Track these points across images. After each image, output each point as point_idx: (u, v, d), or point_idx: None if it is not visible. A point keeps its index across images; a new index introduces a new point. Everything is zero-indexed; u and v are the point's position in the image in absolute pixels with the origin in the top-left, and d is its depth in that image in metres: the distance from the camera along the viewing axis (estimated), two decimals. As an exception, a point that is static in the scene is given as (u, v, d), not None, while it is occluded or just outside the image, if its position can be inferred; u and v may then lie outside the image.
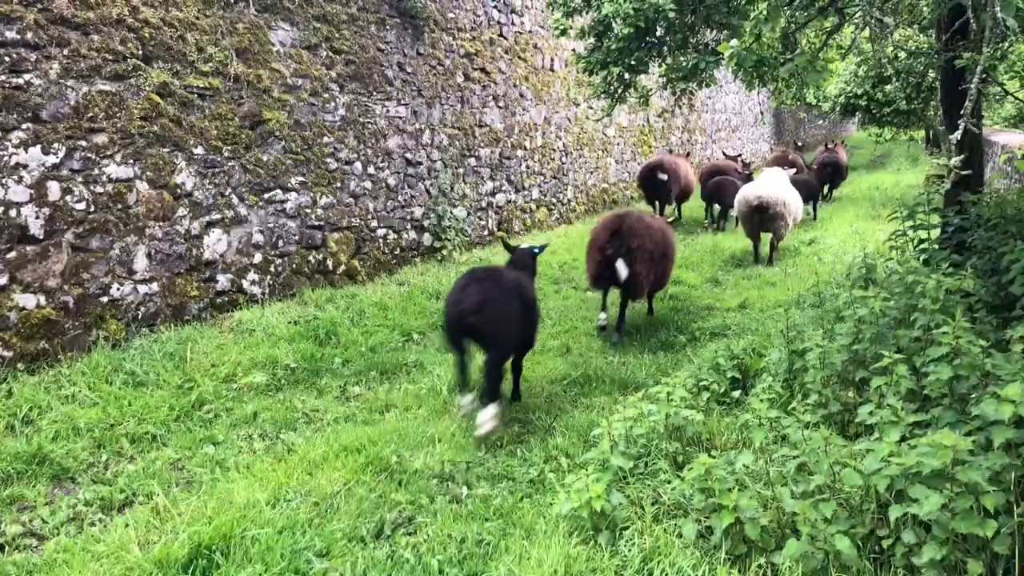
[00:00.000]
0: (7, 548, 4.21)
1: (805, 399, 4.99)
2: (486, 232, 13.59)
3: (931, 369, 4.17)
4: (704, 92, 23.87)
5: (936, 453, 3.28)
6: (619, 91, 10.11)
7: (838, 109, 20.85)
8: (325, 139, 9.83)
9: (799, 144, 27.93)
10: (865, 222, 15.95)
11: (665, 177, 15.44)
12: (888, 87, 17.40)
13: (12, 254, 6.49)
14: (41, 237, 6.70)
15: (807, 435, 3.91)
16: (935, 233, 6.92)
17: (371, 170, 10.70)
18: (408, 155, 11.44)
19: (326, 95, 9.83)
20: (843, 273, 8.39)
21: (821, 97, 22.98)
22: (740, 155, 19.99)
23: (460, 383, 5.94)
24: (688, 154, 18.49)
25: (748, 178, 15.96)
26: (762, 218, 12.33)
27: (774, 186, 12.57)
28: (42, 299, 6.70)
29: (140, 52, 7.49)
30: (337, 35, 9.99)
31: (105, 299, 7.21)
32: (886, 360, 4.23)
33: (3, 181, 6.42)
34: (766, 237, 12.97)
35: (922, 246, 6.77)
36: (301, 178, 9.46)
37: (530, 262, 7.24)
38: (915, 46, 10.69)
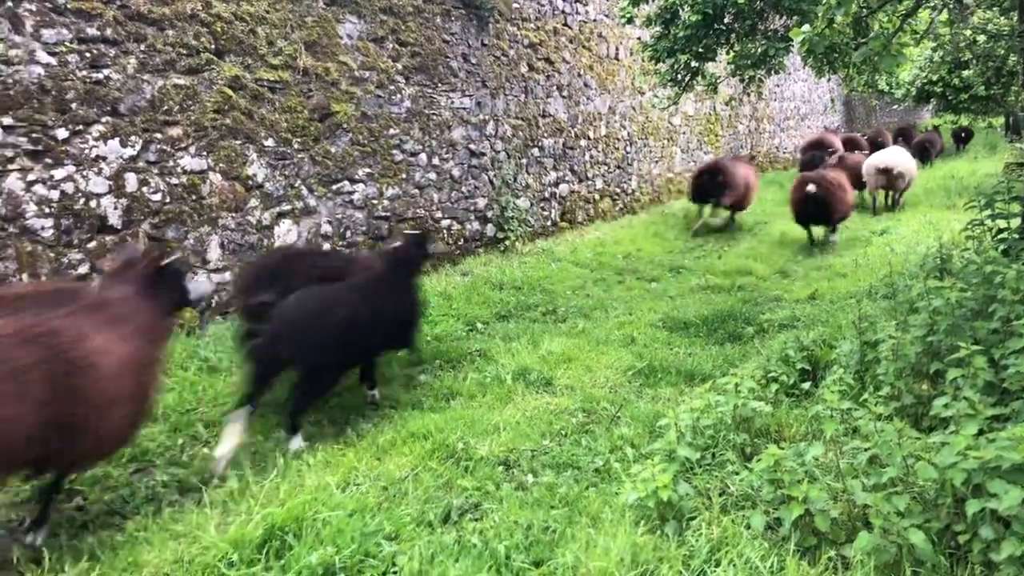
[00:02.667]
0: (92, 526, 4.39)
1: (877, 391, 4.88)
2: (549, 222, 13.59)
3: (1011, 362, 4.05)
4: (772, 80, 23.43)
5: (1016, 446, 3.19)
6: (686, 79, 10.02)
7: (912, 96, 20.30)
8: (391, 131, 9.94)
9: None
10: (940, 212, 15.51)
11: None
12: (966, 72, 16.88)
13: (92, 243, 6.73)
14: (119, 227, 6.93)
15: (879, 427, 3.83)
16: (1015, 222, 6.68)
17: (436, 161, 10.79)
18: (472, 146, 11.49)
19: (392, 87, 9.94)
20: (916, 264, 8.17)
21: (894, 84, 22.37)
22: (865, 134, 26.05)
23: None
24: (837, 128, 24.92)
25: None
26: (887, 178, 16.11)
27: (897, 154, 16.66)
28: (121, 287, 6.92)
29: (213, 46, 7.68)
30: (403, 27, 10.08)
31: (180, 288, 7.42)
32: (963, 351, 4.12)
33: (84, 173, 6.65)
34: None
35: (1001, 236, 6.55)
36: (368, 169, 9.59)
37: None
38: (995, 29, 10.32)
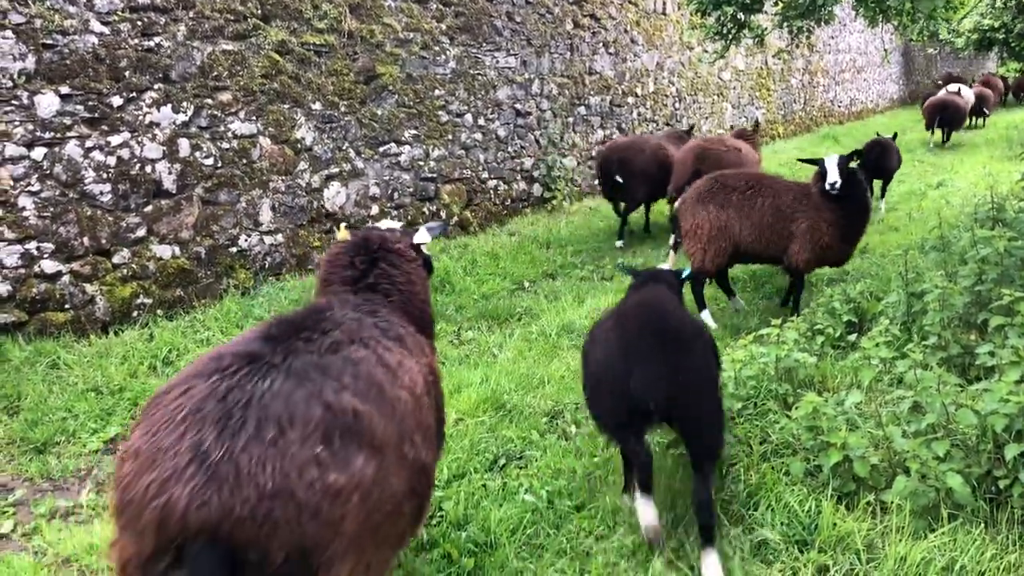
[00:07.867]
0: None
1: (923, 341, 4.85)
2: (596, 181, 13.53)
3: (1059, 308, 4.00)
4: (826, 32, 22.85)
5: (1059, 390, 3.17)
6: (733, 32, 9.85)
7: (972, 43, 19.61)
8: (436, 92, 9.99)
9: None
10: (1000, 163, 15.06)
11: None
12: (1030, 17, 16.26)
13: (148, 208, 6.94)
14: (174, 191, 7.13)
15: (920, 375, 3.82)
16: (1073, 170, 6.52)
17: (481, 122, 10.82)
18: (517, 106, 11.49)
19: (436, 48, 9.97)
20: (970, 215, 8.00)
21: (954, 32, 21.59)
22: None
23: None
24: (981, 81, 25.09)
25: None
26: (952, 117, 18.43)
27: (964, 94, 19.13)
28: (176, 250, 7.15)
29: (259, 11, 7.78)
30: (446, -13, 10.07)
31: (234, 249, 7.63)
32: (1007, 298, 4.07)
33: (139, 139, 6.84)
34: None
35: (1058, 183, 6.41)
36: (414, 131, 9.67)
37: None
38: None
